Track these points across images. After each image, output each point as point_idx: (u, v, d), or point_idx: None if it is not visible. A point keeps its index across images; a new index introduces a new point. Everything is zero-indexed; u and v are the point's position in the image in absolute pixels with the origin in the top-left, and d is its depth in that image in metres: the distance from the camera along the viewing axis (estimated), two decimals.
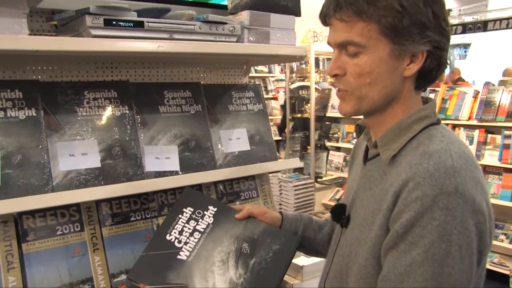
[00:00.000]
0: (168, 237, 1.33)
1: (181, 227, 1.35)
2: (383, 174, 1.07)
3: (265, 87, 9.44)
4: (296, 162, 1.90)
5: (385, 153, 1.07)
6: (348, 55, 1.04)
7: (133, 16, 1.33)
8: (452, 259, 0.89)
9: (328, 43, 1.09)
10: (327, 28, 1.10)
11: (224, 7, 1.64)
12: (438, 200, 0.90)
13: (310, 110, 5.33)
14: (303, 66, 5.92)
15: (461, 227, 0.90)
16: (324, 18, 1.06)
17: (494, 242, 4.46)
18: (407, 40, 0.99)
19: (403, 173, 0.98)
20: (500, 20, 8.12)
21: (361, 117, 1.17)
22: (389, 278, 0.95)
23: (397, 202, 0.96)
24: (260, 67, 9.24)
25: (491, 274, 4.31)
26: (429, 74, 1.07)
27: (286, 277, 1.83)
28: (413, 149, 1.02)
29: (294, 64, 5.91)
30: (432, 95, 4.85)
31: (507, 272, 4.28)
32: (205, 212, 1.39)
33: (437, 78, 1.10)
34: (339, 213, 1.20)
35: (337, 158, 5.67)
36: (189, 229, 1.35)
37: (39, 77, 1.47)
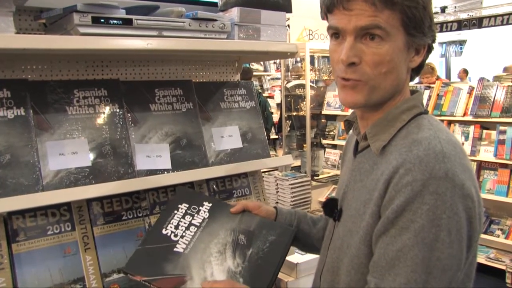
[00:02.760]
0: (164, 231, 1.34)
1: (177, 221, 1.36)
2: (374, 164, 1.07)
3: (261, 86, 9.45)
4: (289, 159, 1.89)
5: (375, 144, 1.07)
6: (364, 43, 1.01)
7: (122, 14, 1.33)
8: (441, 244, 0.90)
9: (336, 28, 1.03)
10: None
11: (214, 4, 1.64)
12: (428, 185, 0.91)
13: (306, 108, 5.33)
14: (299, 64, 5.92)
15: (450, 211, 0.90)
16: None
17: (491, 238, 4.47)
18: (419, 32, 1.02)
19: (393, 160, 0.99)
20: (495, 16, 8.15)
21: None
22: (380, 264, 0.96)
23: (388, 188, 0.97)
24: (255, 66, 9.25)
25: (487, 269, 4.32)
26: (421, 67, 1.12)
27: (280, 275, 1.83)
28: (403, 138, 1.03)
29: (290, 62, 5.91)
30: (427, 91, 4.86)
31: (503, 267, 4.29)
32: (201, 208, 1.40)
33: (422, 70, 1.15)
34: (331, 207, 1.20)
35: (333, 155, 5.67)
36: (185, 223, 1.36)
37: (29, 76, 1.46)
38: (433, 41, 1.08)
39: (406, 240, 0.92)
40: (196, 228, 1.35)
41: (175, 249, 1.30)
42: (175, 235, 1.33)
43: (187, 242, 1.31)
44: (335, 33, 1.06)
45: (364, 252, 1.02)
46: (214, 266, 1.27)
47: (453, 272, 0.92)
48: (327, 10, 1.05)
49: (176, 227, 1.35)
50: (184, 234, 1.33)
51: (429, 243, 0.90)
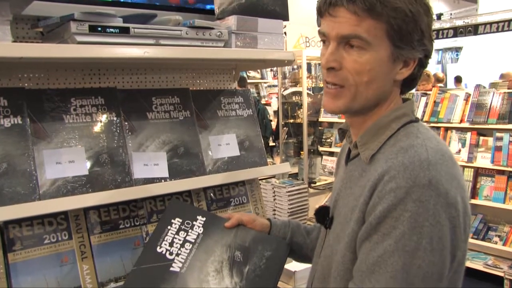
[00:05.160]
0: (158, 249, 1.31)
1: (171, 238, 1.34)
2: (362, 172, 1.08)
3: (258, 93, 9.45)
4: (286, 167, 1.89)
5: (364, 153, 1.08)
6: (346, 50, 1.02)
7: (119, 22, 1.33)
8: (423, 252, 0.90)
9: (323, 33, 1.06)
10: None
11: (212, 12, 1.64)
12: (411, 192, 0.91)
13: (303, 115, 5.34)
14: (296, 71, 5.94)
15: (433, 219, 0.90)
16: (329, 5, 1.01)
17: (488, 244, 4.47)
18: (407, 45, 1.02)
19: (379, 168, 1.00)
20: (490, 23, 8.21)
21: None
22: (361, 269, 0.97)
23: (373, 195, 0.97)
24: (252, 73, 9.26)
25: (485, 276, 4.32)
26: (413, 81, 1.12)
27: (278, 283, 1.82)
28: (391, 146, 1.04)
29: (287, 70, 5.93)
30: (423, 98, 4.87)
31: (501, 274, 4.29)
32: (194, 223, 1.38)
33: (416, 85, 1.15)
34: (323, 215, 1.21)
35: (330, 163, 5.67)
36: (179, 240, 1.33)
37: (26, 84, 1.46)
38: (426, 55, 1.07)
39: (387, 246, 0.92)
40: (191, 245, 1.33)
41: (171, 269, 1.27)
42: (171, 253, 1.30)
43: (183, 261, 1.29)
44: (323, 39, 1.08)
45: (350, 258, 1.03)
46: (212, 286, 1.25)
47: (434, 280, 0.92)
48: (319, 14, 1.07)
49: (171, 245, 1.32)
50: (179, 252, 1.31)
51: (410, 250, 0.90)
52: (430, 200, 0.91)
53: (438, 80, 7.92)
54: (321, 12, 1.05)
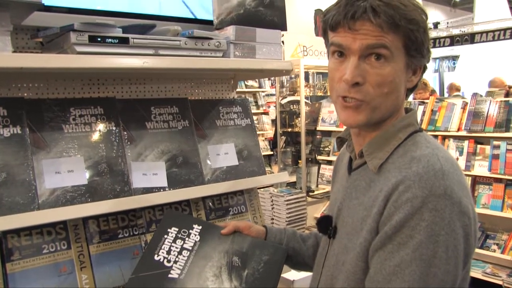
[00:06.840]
0: (156, 258, 1.31)
1: (168, 246, 1.34)
2: (370, 182, 1.08)
3: (256, 102, 9.46)
4: (284, 176, 1.90)
5: (372, 162, 1.08)
6: (368, 63, 1.01)
7: (118, 33, 1.34)
8: (438, 260, 0.91)
9: (342, 45, 1.03)
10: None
11: (210, 22, 1.65)
12: (428, 202, 0.92)
13: (301, 124, 5.35)
14: (294, 80, 5.96)
15: (448, 228, 0.91)
16: (350, 19, 0.99)
17: (487, 252, 4.47)
18: (418, 54, 1.04)
19: (392, 178, 1.00)
20: (487, 32, 8.27)
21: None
22: (376, 279, 0.97)
23: (387, 205, 0.98)
24: (250, 82, 9.27)
25: (484, 284, 4.30)
26: (415, 87, 1.14)
27: None
28: (400, 156, 1.04)
29: (284, 79, 5.94)
30: (421, 107, 4.88)
31: (500, 282, 4.28)
32: (191, 231, 1.39)
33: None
34: (326, 224, 1.20)
35: (328, 171, 5.66)
36: (176, 248, 1.34)
37: (25, 94, 1.46)
38: (428, 61, 1.10)
39: (404, 256, 0.93)
40: (188, 252, 1.33)
41: (169, 275, 1.27)
42: (168, 261, 1.30)
43: (181, 267, 1.29)
44: (338, 51, 1.06)
45: (362, 267, 1.03)
46: None
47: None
48: (331, 28, 1.05)
49: (168, 253, 1.32)
50: (177, 259, 1.31)
51: (427, 259, 0.91)
52: (445, 209, 0.92)
53: (457, 89, 7.93)
54: (337, 26, 1.02)
